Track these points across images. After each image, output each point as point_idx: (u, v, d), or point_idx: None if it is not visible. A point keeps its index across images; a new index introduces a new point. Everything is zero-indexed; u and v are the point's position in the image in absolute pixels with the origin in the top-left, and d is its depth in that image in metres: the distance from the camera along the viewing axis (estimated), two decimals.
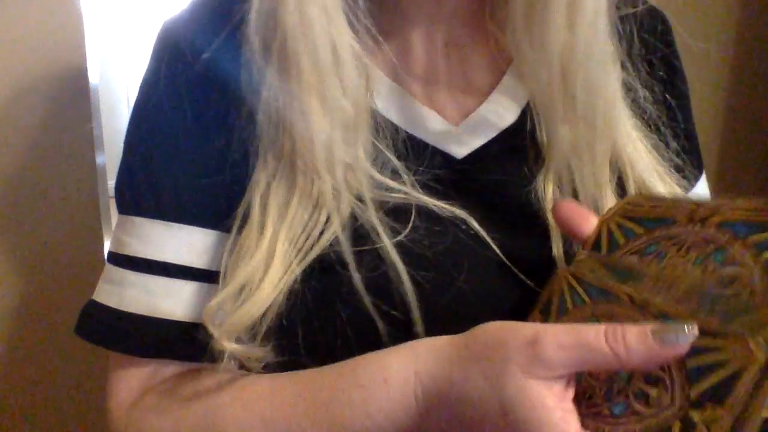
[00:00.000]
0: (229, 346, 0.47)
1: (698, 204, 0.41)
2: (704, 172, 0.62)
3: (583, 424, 0.37)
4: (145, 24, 4.94)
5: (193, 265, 0.52)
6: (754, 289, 0.35)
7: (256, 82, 0.50)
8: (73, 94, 0.91)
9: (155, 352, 0.53)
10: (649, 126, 0.55)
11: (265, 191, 0.49)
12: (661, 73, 0.56)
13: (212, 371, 0.52)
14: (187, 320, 0.52)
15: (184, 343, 0.52)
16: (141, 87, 0.55)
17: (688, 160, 0.58)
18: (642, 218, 0.42)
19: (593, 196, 0.51)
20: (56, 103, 0.90)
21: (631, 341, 0.35)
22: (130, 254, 0.53)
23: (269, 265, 0.47)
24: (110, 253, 0.55)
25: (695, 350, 0.34)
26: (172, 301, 0.52)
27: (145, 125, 0.54)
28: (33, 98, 0.89)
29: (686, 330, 0.35)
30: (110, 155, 0.95)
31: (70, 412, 0.99)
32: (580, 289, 0.42)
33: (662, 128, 0.56)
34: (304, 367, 0.48)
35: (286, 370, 0.49)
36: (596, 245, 0.44)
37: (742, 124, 2.98)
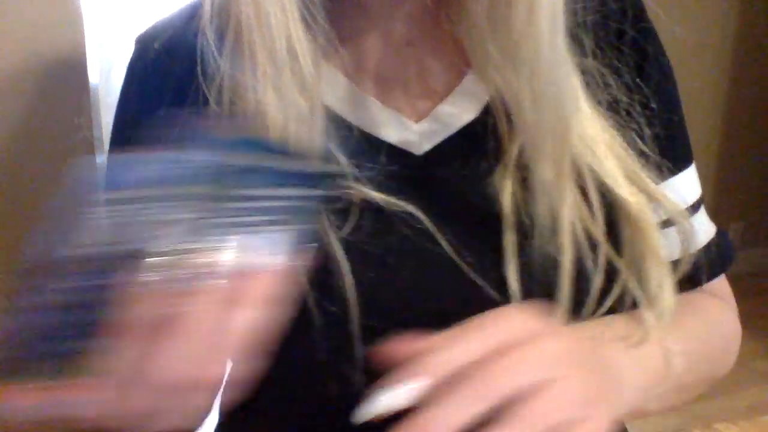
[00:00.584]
0: None
1: None
2: (693, 163, 0.61)
3: None
4: (146, 24, 4.93)
5: None
6: None
7: (210, 74, 0.50)
8: (73, 94, 0.91)
9: None
10: (620, 115, 0.55)
11: None
12: (630, 59, 0.55)
13: None
14: None
15: None
16: (118, 98, 0.59)
17: (668, 149, 0.57)
18: None
19: (550, 195, 0.50)
20: (56, 103, 0.90)
21: None
22: None
23: None
24: None
25: None
26: None
27: (117, 133, 0.58)
28: (33, 98, 0.89)
29: None
30: None
31: None
32: None
33: (635, 116, 0.55)
34: None
35: None
36: None
37: (742, 123, 2.99)
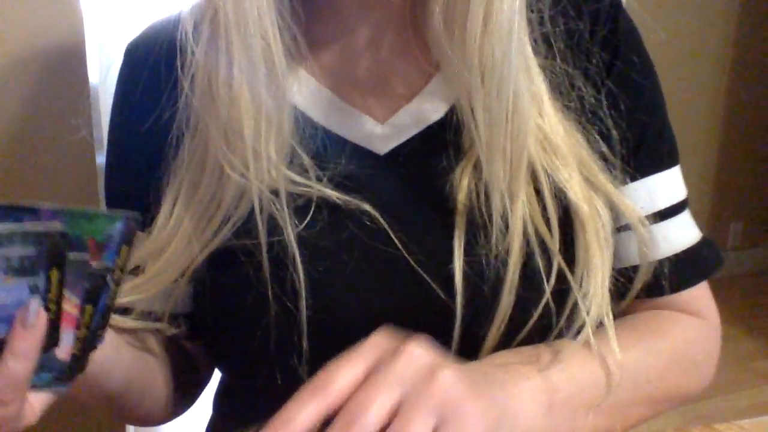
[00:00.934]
0: (123, 322, 0.52)
1: None
2: (677, 166, 0.58)
3: None
4: (146, 24, 4.93)
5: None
6: None
7: (186, 65, 0.52)
8: (73, 94, 0.91)
9: None
10: (586, 117, 0.54)
11: (177, 176, 0.52)
12: (600, 60, 0.54)
13: None
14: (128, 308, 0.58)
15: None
16: (112, 102, 0.60)
17: (639, 151, 0.55)
18: None
19: (502, 194, 0.51)
20: (56, 103, 0.90)
21: None
22: None
23: (169, 247, 0.51)
24: None
25: None
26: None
27: (109, 137, 0.60)
28: (33, 98, 0.89)
29: None
30: None
31: (70, 410, 0.99)
32: None
33: (602, 117, 0.54)
34: (219, 346, 0.55)
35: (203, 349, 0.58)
36: None
37: (742, 124, 2.99)
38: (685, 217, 0.57)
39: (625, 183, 0.55)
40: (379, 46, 0.55)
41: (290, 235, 0.50)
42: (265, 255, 0.50)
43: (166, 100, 0.54)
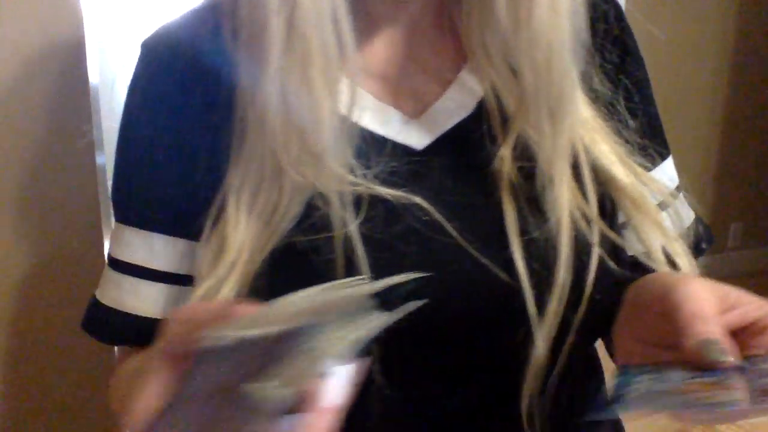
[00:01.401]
0: None
1: None
2: (671, 157, 0.63)
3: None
4: (145, 24, 4.93)
5: (155, 268, 0.58)
6: None
7: (234, 80, 0.52)
8: (73, 94, 0.91)
9: (116, 340, 0.62)
10: (607, 109, 0.58)
11: (238, 186, 0.53)
12: (614, 56, 0.58)
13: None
14: (147, 315, 0.58)
15: (143, 336, 0.57)
16: (125, 100, 0.60)
17: (650, 139, 0.60)
18: None
19: (549, 175, 0.53)
20: (56, 103, 0.90)
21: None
22: (112, 255, 0.61)
23: (238, 258, 0.51)
24: (107, 254, 0.63)
25: None
26: (135, 298, 0.59)
27: (124, 136, 0.59)
28: (33, 98, 0.89)
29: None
30: (110, 155, 0.95)
31: (70, 410, 0.99)
32: None
33: (619, 109, 0.58)
34: None
35: None
36: None
37: (742, 124, 2.98)
38: (683, 197, 0.64)
39: (652, 167, 0.59)
40: (409, 42, 0.57)
41: (353, 230, 0.50)
42: (340, 251, 0.50)
43: (198, 98, 0.54)
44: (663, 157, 0.62)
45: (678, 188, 0.63)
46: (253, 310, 0.35)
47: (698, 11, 2.65)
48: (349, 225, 0.50)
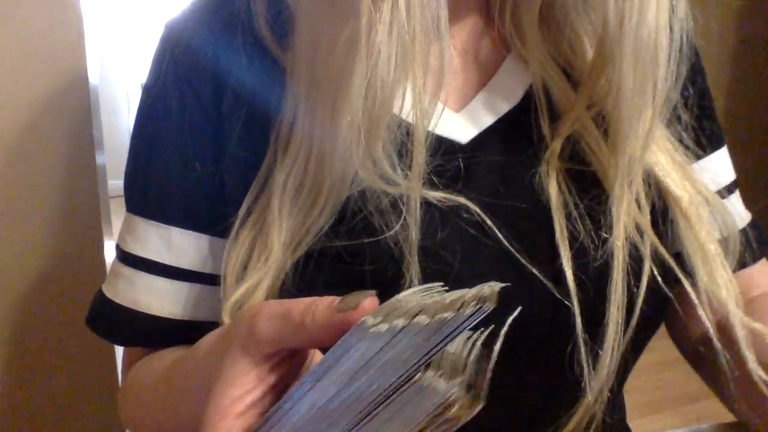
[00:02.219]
0: None
1: None
2: (725, 146, 0.61)
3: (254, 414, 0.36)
4: (145, 24, 4.94)
5: (172, 264, 0.54)
6: None
7: (269, 83, 0.50)
8: (73, 94, 0.91)
9: (127, 340, 0.57)
10: (671, 117, 0.56)
11: (278, 188, 0.50)
12: (681, 66, 0.55)
13: (163, 352, 0.56)
14: (162, 315, 0.55)
15: (157, 336, 0.55)
16: (144, 88, 0.57)
17: (702, 129, 0.57)
18: None
19: (596, 193, 0.50)
20: (56, 103, 0.90)
21: (318, 311, 0.34)
22: (124, 249, 0.56)
23: (275, 260, 0.49)
24: (116, 246, 0.59)
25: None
26: (151, 296, 0.55)
27: (145, 126, 0.56)
28: (33, 98, 0.89)
29: (365, 296, 0.34)
30: (110, 155, 0.95)
31: (70, 410, 0.99)
32: None
33: (673, 97, 0.55)
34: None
35: None
36: None
37: (742, 124, 2.98)
38: (738, 194, 0.61)
39: (699, 158, 0.57)
40: (454, 34, 0.54)
41: (413, 238, 0.47)
42: (386, 255, 0.47)
43: (234, 85, 0.51)
44: (714, 148, 0.59)
45: (733, 185, 0.59)
46: (374, 303, 0.33)
47: (698, 12, 2.64)
48: (393, 229, 0.47)
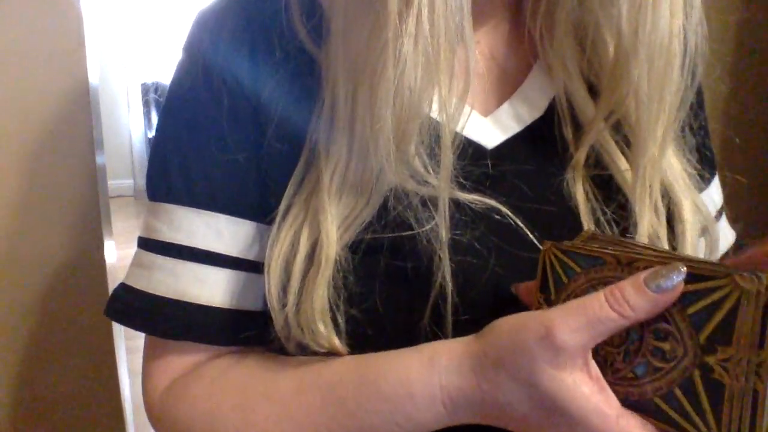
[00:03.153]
0: (318, 332, 0.48)
1: (622, 246, 0.43)
2: (717, 176, 0.62)
3: (614, 391, 0.39)
4: (145, 24, 4.94)
5: (221, 252, 0.53)
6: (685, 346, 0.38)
7: (304, 78, 0.50)
8: (73, 94, 0.91)
9: (181, 334, 0.54)
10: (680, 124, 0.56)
11: (322, 185, 0.50)
12: (696, 67, 0.56)
13: (242, 357, 0.54)
14: (213, 305, 0.53)
15: (209, 327, 0.53)
16: (173, 82, 0.56)
17: (705, 158, 0.58)
18: (577, 254, 0.43)
19: (620, 201, 0.51)
20: (56, 103, 0.90)
21: (631, 298, 0.38)
22: (160, 239, 0.54)
23: (325, 255, 0.48)
24: (140, 239, 0.57)
25: (691, 297, 0.37)
26: (200, 286, 0.53)
27: (180, 113, 0.55)
28: (33, 98, 0.89)
29: (677, 270, 0.37)
30: (110, 155, 0.95)
31: (70, 409, 0.99)
32: (567, 260, 0.43)
33: (685, 126, 0.56)
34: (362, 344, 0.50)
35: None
36: (544, 284, 0.45)
37: (742, 124, 2.98)
38: (725, 217, 0.62)
39: (705, 188, 0.58)
40: (483, 36, 0.55)
41: (443, 236, 0.48)
42: (423, 251, 0.48)
43: (270, 77, 0.51)
44: (712, 176, 0.61)
45: (722, 209, 0.61)
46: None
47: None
48: (424, 226, 0.48)
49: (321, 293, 0.48)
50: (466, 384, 0.43)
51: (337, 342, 0.48)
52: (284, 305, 0.49)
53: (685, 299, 0.37)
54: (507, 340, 0.41)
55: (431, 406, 0.44)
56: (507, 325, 0.42)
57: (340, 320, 0.49)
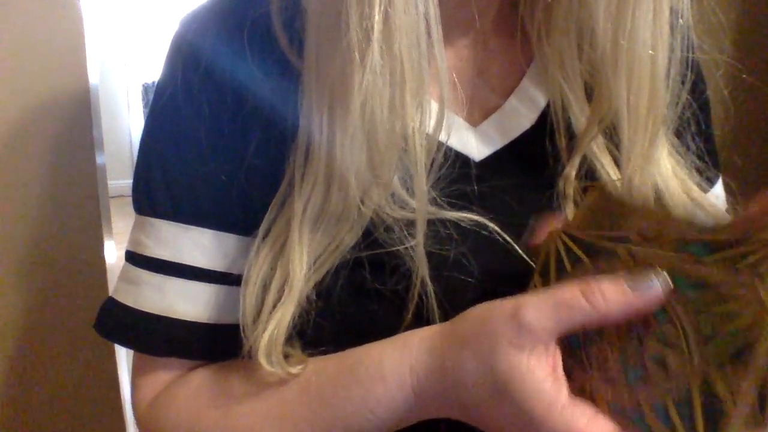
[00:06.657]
0: (275, 354, 0.48)
1: (649, 217, 0.40)
2: (720, 179, 0.62)
3: (598, 389, 0.38)
4: (145, 24, 4.94)
5: (208, 267, 0.53)
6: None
7: (285, 88, 0.49)
8: (73, 94, 0.91)
9: (168, 350, 0.54)
10: (676, 131, 0.56)
11: (297, 215, 0.49)
12: (687, 77, 0.55)
13: (229, 367, 0.54)
14: (200, 321, 0.53)
15: (197, 343, 0.53)
16: (157, 87, 0.55)
17: (708, 162, 0.58)
18: (588, 243, 0.41)
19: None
20: (56, 103, 0.90)
21: (608, 294, 0.37)
22: (147, 255, 0.54)
23: (298, 288, 0.48)
24: (128, 252, 0.56)
25: (704, 304, 0.34)
26: (187, 302, 0.53)
27: (162, 126, 0.54)
28: (33, 98, 0.89)
29: (656, 275, 0.36)
30: (110, 155, 0.95)
31: (70, 410, 0.99)
32: (575, 248, 0.42)
33: (683, 130, 0.56)
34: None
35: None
36: (544, 268, 0.44)
37: (742, 124, 2.98)
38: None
39: (709, 190, 0.58)
40: (473, 45, 0.54)
41: (416, 250, 0.47)
42: (407, 269, 0.47)
43: (251, 88, 0.50)
44: (715, 180, 0.60)
45: (726, 210, 0.61)
46: (667, 280, 0.36)
47: (698, 11, 2.64)
48: (405, 244, 0.47)
49: (285, 326, 0.47)
50: (434, 364, 0.43)
51: (294, 371, 0.48)
52: (254, 330, 0.48)
53: (697, 303, 0.34)
54: (477, 319, 0.41)
55: (401, 389, 0.44)
56: (481, 307, 0.42)
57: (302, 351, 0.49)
